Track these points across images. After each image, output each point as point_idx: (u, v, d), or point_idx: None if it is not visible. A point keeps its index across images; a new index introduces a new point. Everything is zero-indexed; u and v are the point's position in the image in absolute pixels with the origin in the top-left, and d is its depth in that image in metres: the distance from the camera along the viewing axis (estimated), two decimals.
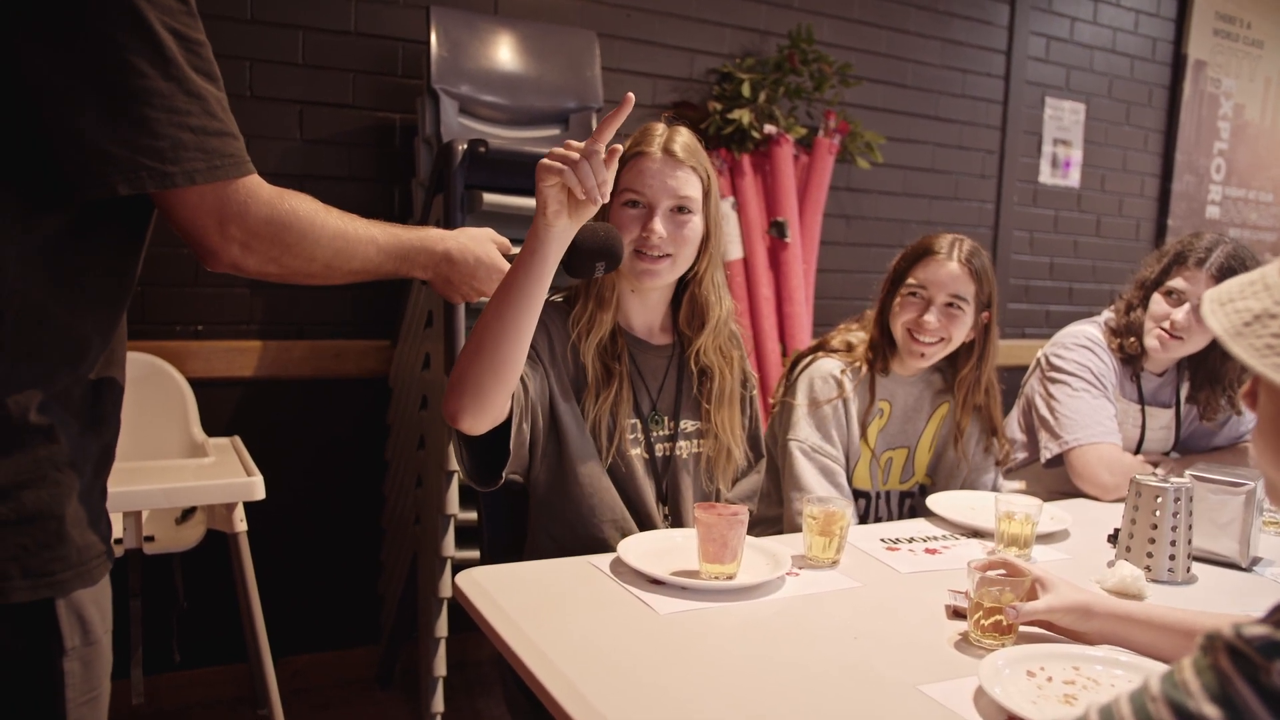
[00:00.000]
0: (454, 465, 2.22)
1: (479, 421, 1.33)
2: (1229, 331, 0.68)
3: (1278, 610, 0.63)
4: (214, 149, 0.94)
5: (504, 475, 1.43)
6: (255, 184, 0.99)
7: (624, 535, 1.52)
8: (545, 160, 1.21)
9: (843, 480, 1.86)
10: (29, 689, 0.95)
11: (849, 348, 1.95)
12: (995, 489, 2.01)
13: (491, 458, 1.43)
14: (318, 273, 1.08)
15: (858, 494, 1.92)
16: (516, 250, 1.34)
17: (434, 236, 1.23)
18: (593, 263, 1.41)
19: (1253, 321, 0.67)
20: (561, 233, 1.26)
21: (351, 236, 1.10)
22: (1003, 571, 1.24)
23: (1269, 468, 0.72)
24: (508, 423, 1.39)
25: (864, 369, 1.91)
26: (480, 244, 1.29)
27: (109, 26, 0.88)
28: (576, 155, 1.20)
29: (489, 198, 2.24)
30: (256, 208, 0.98)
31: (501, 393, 1.32)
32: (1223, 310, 0.70)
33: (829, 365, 1.90)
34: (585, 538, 1.54)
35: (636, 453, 1.59)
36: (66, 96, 0.88)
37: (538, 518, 1.59)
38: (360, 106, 2.66)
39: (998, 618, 1.20)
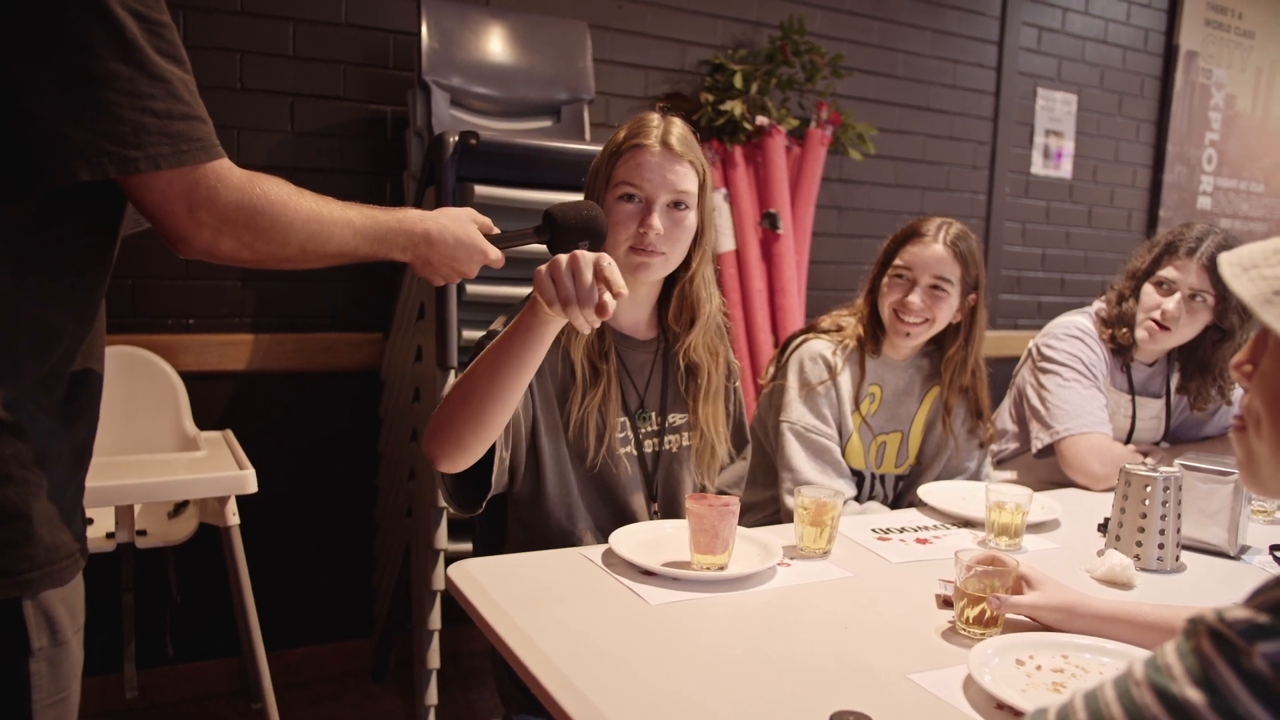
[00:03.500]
0: None
1: (457, 465, 1.32)
2: (1257, 298, 0.67)
3: (1259, 594, 0.64)
4: (179, 133, 0.92)
5: (484, 503, 1.42)
6: (224, 168, 0.97)
7: (604, 539, 1.52)
8: (543, 282, 1.16)
9: (837, 457, 1.88)
10: None
11: (839, 329, 1.97)
12: (980, 474, 2.02)
13: (472, 483, 1.42)
14: (293, 257, 1.06)
15: (851, 472, 1.93)
16: (498, 230, 1.33)
17: (413, 218, 1.21)
18: (576, 241, 1.39)
19: None
20: (559, 322, 1.22)
21: (326, 220, 1.07)
22: (990, 566, 1.24)
23: (1259, 441, 0.71)
24: (489, 452, 1.37)
25: (853, 346, 1.93)
26: (460, 224, 1.26)
27: (67, 10, 0.87)
28: (568, 297, 1.15)
29: (481, 190, 2.23)
30: (226, 192, 0.96)
31: (483, 445, 1.31)
32: (1246, 276, 0.69)
33: (818, 346, 1.92)
34: (563, 546, 1.52)
35: (626, 450, 1.58)
36: (25, 82, 0.86)
37: (513, 530, 1.59)
38: (351, 99, 2.66)
39: (983, 607, 1.20)
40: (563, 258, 1.17)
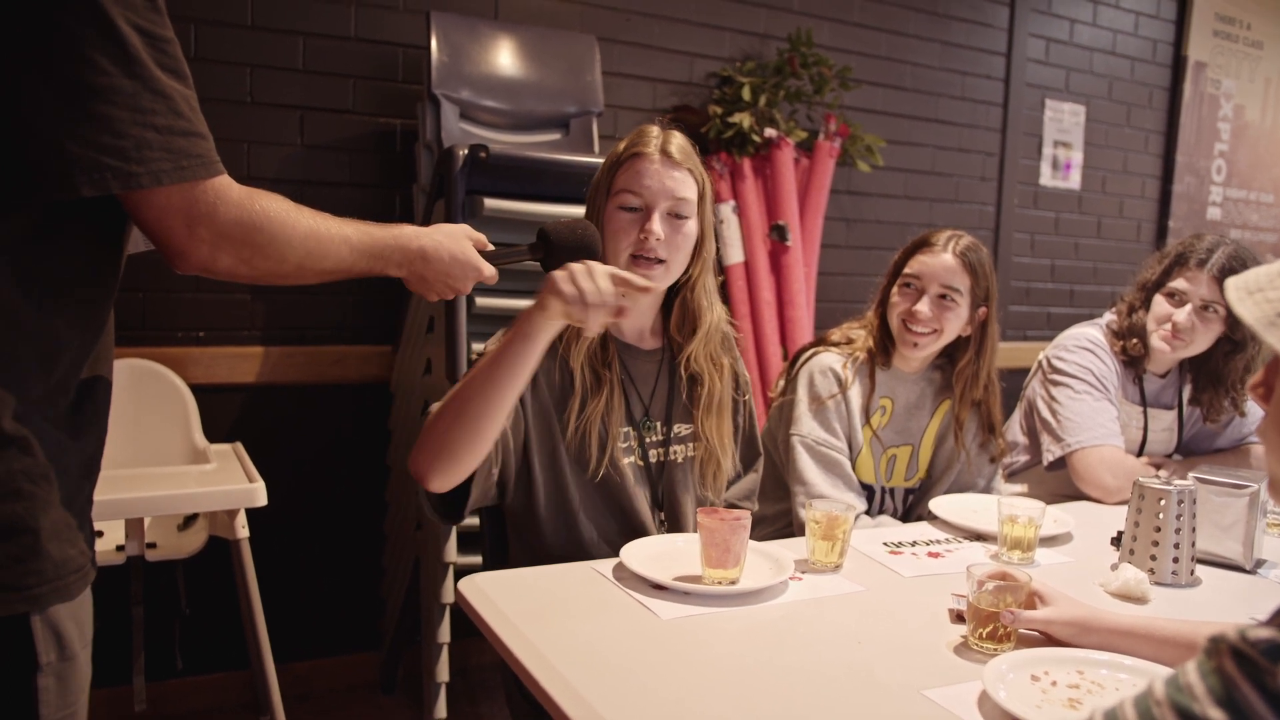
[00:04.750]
0: None
1: (448, 482, 1.36)
2: (1261, 321, 0.67)
3: None
4: (180, 149, 0.92)
5: (466, 514, 1.45)
6: (224, 184, 0.97)
7: (607, 550, 1.52)
8: (563, 283, 1.25)
9: (848, 471, 1.87)
10: (2, 705, 0.93)
11: (849, 341, 1.96)
12: (990, 489, 2.01)
13: (454, 494, 1.43)
14: (290, 273, 1.06)
15: (862, 486, 1.92)
16: (493, 247, 1.33)
17: (409, 234, 1.21)
18: (570, 259, 1.40)
19: None
20: (556, 327, 1.31)
21: (324, 236, 1.08)
22: (1002, 581, 1.24)
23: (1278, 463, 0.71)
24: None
25: (863, 358, 1.92)
26: (456, 241, 1.26)
27: (71, 23, 0.86)
28: (591, 299, 1.25)
29: (490, 203, 2.24)
30: (226, 209, 0.96)
31: (476, 460, 1.36)
32: (1251, 299, 0.69)
33: (829, 359, 1.91)
34: (564, 558, 1.52)
35: (630, 460, 1.58)
36: (28, 95, 0.86)
37: (513, 544, 1.60)
38: (361, 112, 2.67)
39: (995, 625, 1.19)
40: (577, 265, 1.27)
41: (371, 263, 1.16)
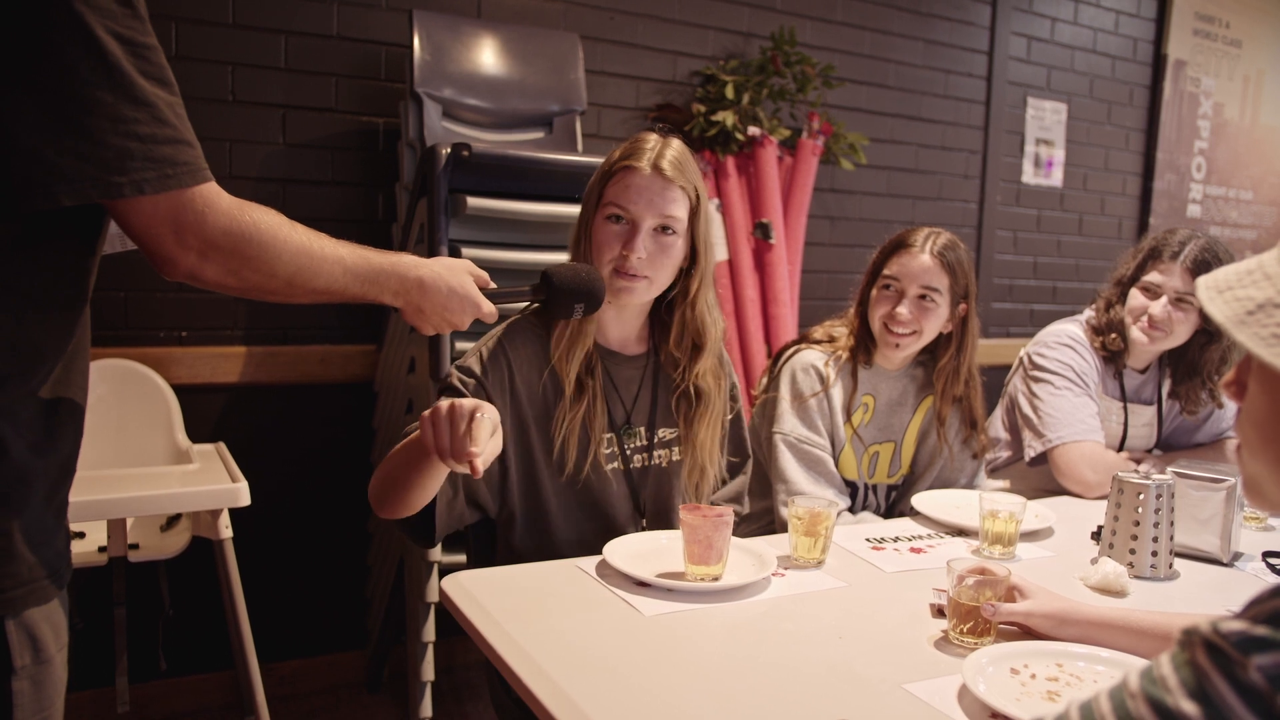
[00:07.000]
0: None
1: (396, 515, 1.37)
2: (1231, 320, 0.67)
3: (1255, 605, 0.63)
4: (164, 157, 0.91)
5: (438, 539, 1.46)
6: (213, 193, 0.96)
7: (583, 553, 1.52)
8: (427, 426, 1.15)
9: (830, 468, 1.88)
10: None
11: (831, 339, 1.97)
12: (973, 483, 2.02)
13: (422, 522, 1.44)
14: (279, 289, 1.05)
15: (845, 483, 1.93)
16: (495, 285, 1.32)
17: (407, 263, 1.20)
18: (572, 304, 1.39)
19: (1256, 311, 0.66)
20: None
21: (317, 255, 1.06)
22: (982, 575, 1.25)
23: (1255, 461, 0.71)
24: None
25: (845, 356, 1.93)
26: (456, 274, 1.25)
27: (49, 34, 0.86)
28: (445, 444, 1.13)
29: (473, 201, 2.23)
30: (214, 217, 0.96)
31: (416, 508, 1.36)
32: (1221, 298, 0.69)
33: (811, 356, 1.92)
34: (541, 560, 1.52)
35: (613, 466, 1.58)
36: (8, 106, 0.86)
37: (500, 540, 1.60)
38: (343, 110, 2.66)
39: (975, 619, 1.20)
40: (443, 405, 1.14)
41: (366, 287, 1.14)
